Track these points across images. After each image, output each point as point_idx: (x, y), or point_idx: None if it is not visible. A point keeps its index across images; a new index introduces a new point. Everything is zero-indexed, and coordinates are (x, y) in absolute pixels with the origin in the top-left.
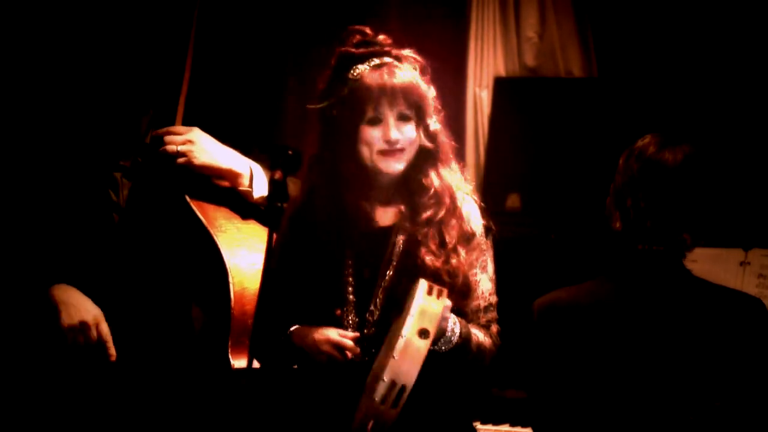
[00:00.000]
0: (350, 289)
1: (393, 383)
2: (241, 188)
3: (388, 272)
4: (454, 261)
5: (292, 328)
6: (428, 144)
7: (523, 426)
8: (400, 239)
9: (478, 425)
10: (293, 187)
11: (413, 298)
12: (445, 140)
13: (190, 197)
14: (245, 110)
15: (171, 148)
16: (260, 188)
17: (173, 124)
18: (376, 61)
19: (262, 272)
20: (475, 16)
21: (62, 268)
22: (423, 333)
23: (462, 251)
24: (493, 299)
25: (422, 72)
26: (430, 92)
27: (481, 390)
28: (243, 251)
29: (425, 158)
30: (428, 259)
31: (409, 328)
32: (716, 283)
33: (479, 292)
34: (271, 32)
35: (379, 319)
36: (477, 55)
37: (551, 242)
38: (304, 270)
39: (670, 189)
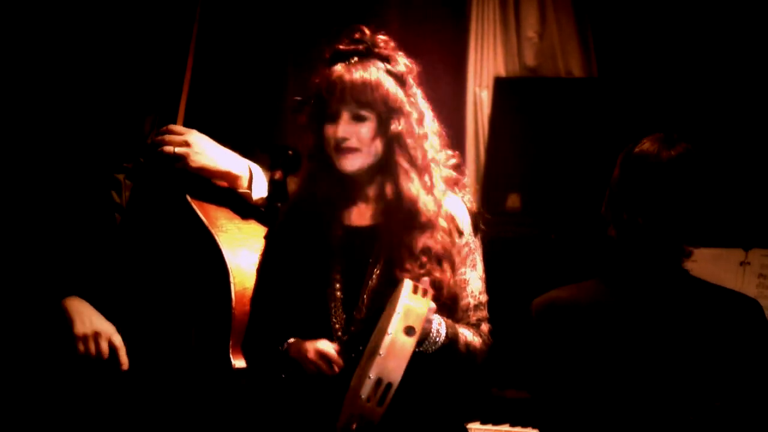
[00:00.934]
0: (338, 285)
1: (379, 380)
2: (240, 190)
3: (375, 271)
4: (437, 274)
5: (290, 341)
6: (394, 146)
7: (523, 426)
8: (382, 241)
9: (478, 425)
10: (294, 187)
11: (398, 297)
12: (416, 143)
13: (191, 197)
14: (246, 110)
15: (168, 149)
16: (259, 190)
17: (175, 123)
18: (355, 59)
19: (256, 272)
20: (475, 16)
21: (66, 269)
22: (409, 330)
23: (445, 264)
24: (483, 298)
25: (407, 74)
26: (400, 93)
27: (481, 390)
28: (244, 251)
29: (392, 162)
30: (406, 270)
31: (395, 325)
32: (716, 283)
33: (468, 291)
34: (272, 32)
35: (365, 317)
36: (477, 55)
37: (551, 242)
38: (293, 267)
39: (666, 188)
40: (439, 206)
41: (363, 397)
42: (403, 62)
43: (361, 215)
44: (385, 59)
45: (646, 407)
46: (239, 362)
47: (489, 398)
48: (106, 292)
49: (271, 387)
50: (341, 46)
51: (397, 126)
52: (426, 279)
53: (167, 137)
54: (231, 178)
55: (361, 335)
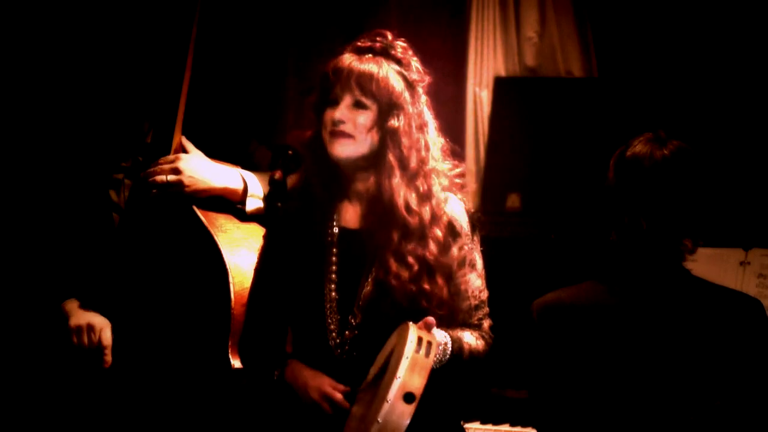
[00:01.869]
0: (333, 286)
1: None
2: (237, 206)
3: (369, 274)
4: (427, 287)
5: (288, 363)
6: (387, 141)
7: (523, 426)
8: (375, 246)
9: (477, 425)
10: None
11: (401, 358)
12: (411, 145)
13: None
14: (246, 108)
15: (160, 178)
16: (254, 201)
17: (174, 123)
18: (369, 55)
19: (254, 271)
20: (475, 16)
21: (65, 269)
22: (408, 397)
23: (438, 276)
24: (484, 295)
25: (418, 81)
26: (406, 94)
27: (480, 390)
28: (243, 251)
29: (383, 157)
30: (396, 283)
31: (393, 392)
32: (716, 283)
33: (470, 291)
34: (272, 31)
35: (361, 322)
36: (477, 55)
37: (551, 242)
38: (289, 267)
39: (665, 187)
40: (437, 217)
41: None
42: (416, 69)
43: (355, 215)
44: (399, 62)
45: (647, 407)
46: (238, 362)
47: (489, 398)
48: (104, 291)
49: (266, 387)
50: (359, 43)
51: (395, 122)
52: (431, 319)
53: (157, 168)
54: (229, 193)
55: (359, 349)
